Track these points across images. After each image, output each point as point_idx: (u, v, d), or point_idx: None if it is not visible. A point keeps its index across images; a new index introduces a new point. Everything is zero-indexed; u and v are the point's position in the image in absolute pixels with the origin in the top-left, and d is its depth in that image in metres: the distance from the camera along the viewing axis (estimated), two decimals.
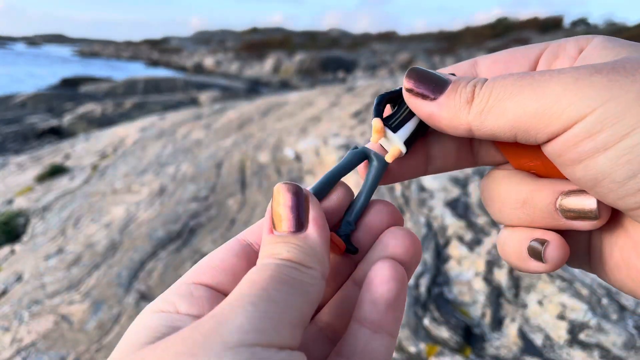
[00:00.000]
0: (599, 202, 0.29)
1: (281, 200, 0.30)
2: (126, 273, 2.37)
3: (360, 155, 0.35)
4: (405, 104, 0.34)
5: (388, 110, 0.35)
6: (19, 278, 2.58)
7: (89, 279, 2.39)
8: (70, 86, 18.04)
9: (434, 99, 0.31)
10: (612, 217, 0.31)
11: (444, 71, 0.35)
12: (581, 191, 0.30)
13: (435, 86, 0.31)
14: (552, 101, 0.26)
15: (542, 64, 0.33)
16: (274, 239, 0.30)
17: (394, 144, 0.34)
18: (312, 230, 0.30)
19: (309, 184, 2.97)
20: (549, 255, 0.32)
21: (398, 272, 0.30)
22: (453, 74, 0.34)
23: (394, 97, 0.35)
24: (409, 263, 0.33)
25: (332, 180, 0.34)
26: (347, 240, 0.34)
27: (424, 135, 0.35)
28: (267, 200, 2.91)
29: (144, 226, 2.84)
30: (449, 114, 0.30)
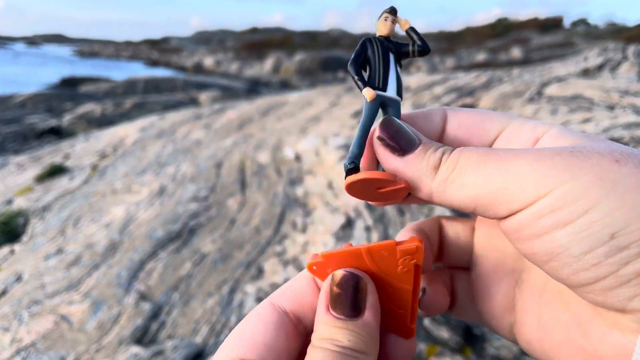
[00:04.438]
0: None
1: (343, 285, 0.31)
2: (126, 273, 2.37)
3: (378, 104, 0.35)
4: (374, 62, 0.35)
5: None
6: (18, 278, 2.58)
7: (88, 279, 2.39)
8: (70, 86, 18.03)
9: (402, 155, 0.32)
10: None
11: (417, 114, 0.36)
12: None
13: (406, 142, 0.32)
14: (515, 178, 0.27)
15: (499, 144, 0.35)
16: (333, 322, 0.31)
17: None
18: (370, 316, 0.31)
19: (309, 183, 2.97)
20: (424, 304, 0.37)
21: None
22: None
23: (363, 62, 0.36)
24: None
25: (366, 135, 0.35)
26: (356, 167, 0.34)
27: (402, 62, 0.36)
28: (267, 200, 2.90)
29: (143, 226, 2.84)
30: (413, 175, 0.31)
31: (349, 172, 0.34)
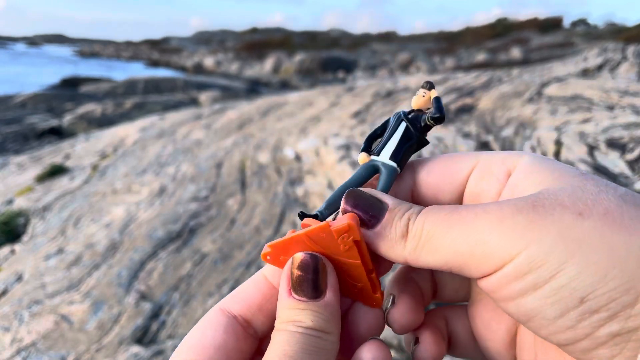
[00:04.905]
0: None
1: (304, 267, 0.32)
2: (126, 273, 2.37)
3: (371, 169, 0.37)
4: (386, 132, 0.38)
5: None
6: (19, 278, 2.58)
7: (89, 279, 2.39)
8: (70, 86, 18.05)
9: (371, 227, 0.32)
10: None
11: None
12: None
13: (371, 214, 0.32)
14: (479, 241, 0.27)
15: (471, 184, 0.34)
16: (295, 304, 0.31)
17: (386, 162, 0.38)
18: (331, 296, 0.32)
19: (309, 183, 2.98)
20: (417, 355, 0.36)
21: None
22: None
23: (380, 133, 0.39)
24: None
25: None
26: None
27: (416, 149, 0.38)
28: (267, 200, 2.91)
29: (144, 226, 2.84)
30: (385, 246, 0.32)
31: (304, 216, 0.36)
